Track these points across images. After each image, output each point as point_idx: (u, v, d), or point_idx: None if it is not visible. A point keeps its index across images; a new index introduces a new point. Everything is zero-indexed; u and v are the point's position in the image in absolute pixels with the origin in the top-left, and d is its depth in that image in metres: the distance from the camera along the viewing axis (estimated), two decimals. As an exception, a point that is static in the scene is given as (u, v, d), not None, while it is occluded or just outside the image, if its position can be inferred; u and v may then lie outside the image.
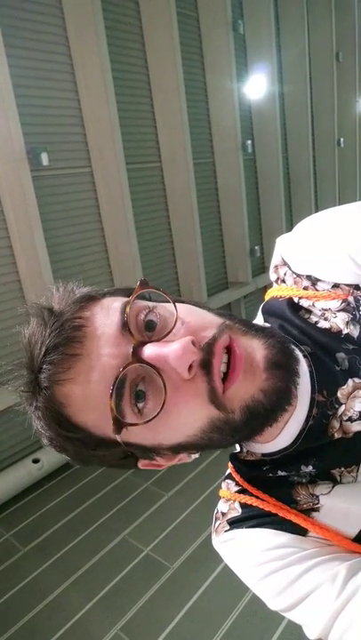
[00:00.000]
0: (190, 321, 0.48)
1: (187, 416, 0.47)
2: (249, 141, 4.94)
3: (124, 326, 0.46)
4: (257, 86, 5.15)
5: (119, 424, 0.45)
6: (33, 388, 0.48)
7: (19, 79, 2.93)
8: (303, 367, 0.53)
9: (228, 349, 0.47)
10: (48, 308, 0.49)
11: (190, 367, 0.44)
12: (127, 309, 0.47)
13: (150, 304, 0.49)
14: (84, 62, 3.34)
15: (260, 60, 5.13)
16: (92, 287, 0.55)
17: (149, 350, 0.45)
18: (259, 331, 0.50)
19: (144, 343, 0.46)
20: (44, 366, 0.46)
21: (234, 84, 4.56)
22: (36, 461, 3.17)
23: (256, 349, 0.47)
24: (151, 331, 0.48)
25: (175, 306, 0.48)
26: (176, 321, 0.47)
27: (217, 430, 0.48)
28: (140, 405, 0.46)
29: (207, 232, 4.75)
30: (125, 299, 0.49)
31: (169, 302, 0.49)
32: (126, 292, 0.52)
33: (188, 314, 0.49)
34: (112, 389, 0.45)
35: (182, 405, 0.46)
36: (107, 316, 0.48)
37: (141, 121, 4.04)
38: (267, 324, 0.55)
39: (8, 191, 2.97)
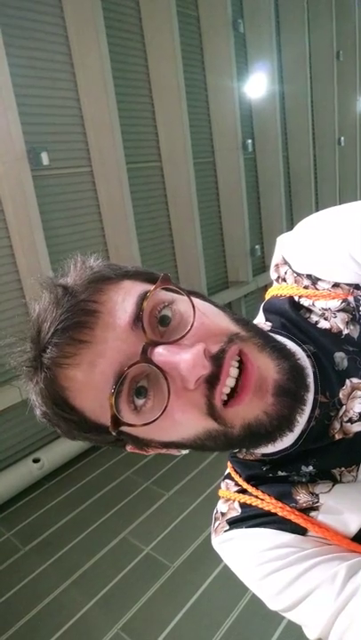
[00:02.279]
0: (204, 323, 0.47)
1: (183, 423, 0.47)
2: (249, 140, 4.94)
3: (137, 321, 0.45)
4: (257, 85, 5.14)
5: (117, 422, 0.45)
6: (36, 365, 0.47)
7: (19, 78, 2.93)
8: (308, 368, 0.52)
9: (241, 362, 0.46)
10: (63, 286, 0.47)
11: (198, 378, 0.44)
12: (144, 304, 0.45)
13: (169, 298, 0.48)
14: (84, 62, 3.34)
15: (261, 59, 5.13)
16: (111, 264, 0.54)
17: (160, 354, 0.44)
18: (275, 349, 0.48)
19: (155, 343, 0.45)
20: (50, 347, 0.45)
21: (234, 83, 4.56)
22: (36, 461, 3.17)
23: (269, 370, 0.47)
24: (165, 326, 0.46)
25: (194, 308, 0.46)
26: (192, 325, 0.46)
27: (212, 439, 0.48)
28: (140, 402, 0.46)
29: (207, 231, 4.75)
30: (144, 285, 0.48)
31: (188, 298, 0.47)
32: (147, 277, 0.51)
33: (204, 315, 0.48)
34: (114, 387, 0.44)
35: (180, 413, 0.46)
36: (122, 303, 0.46)
37: (141, 120, 4.03)
38: (283, 340, 0.54)
39: (8, 191, 2.97)
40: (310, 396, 0.51)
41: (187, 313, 0.47)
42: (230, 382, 0.45)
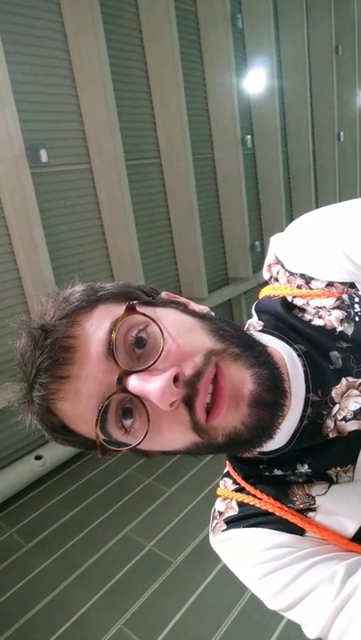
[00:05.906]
0: (177, 346, 0.48)
1: (170, 439, 0.49)
2: (248, 136, 4.92)
3: (110, 353, 0.47)
4: (256, 81, 5.12)
5: (104, 449, 0.48)
6: (28, 401, 0.51)
7: (17, 75, 2.92)
8: (298, 367, 0.53)
9: (214, 378, 0.47)
10: (38, 327, 0.50)
11: (173, 401, 0.46)
12: (112, 336, 0.47)
13: (143, 320, 0.49)
14: (82, 58, 3.32)
15: (260, 54, 5.10)
16: (90, 284, 0.56)
17: (133, 383, 0.46)
18: (251, 356, 0.49)
19: (129, 373, 0.46)
20: (36, 386, 0.49)
21: (233, 79, 4.53)
22: (38, 458, 3.18)
23: (244, 381, 0.47)
24: (141, 348, 0.48)
25: (162, 332, 0.48)
26: (162, 350, 0.47)
27: (200, 449, 0.50)
28: (128, 423, 0.48)
29: (207, 228, 4.74)
30: (119, 308, 0.49)
31: (154, 323, 0.48)
32: (124, 297, 0.52)
33: (176, 335, 0.49)
34: (97, 417, 0.46)
35: (166, 431, 0.48)
36: (95, 334, 0.48)
37: (140, 116, 4.02)
38: (265, 340, 0.54)
39: (7, 188, 2.96)
40: (295, 401, 0.51)
41: (160, 336, 0.48)
42: (207, 398, 0.47)
